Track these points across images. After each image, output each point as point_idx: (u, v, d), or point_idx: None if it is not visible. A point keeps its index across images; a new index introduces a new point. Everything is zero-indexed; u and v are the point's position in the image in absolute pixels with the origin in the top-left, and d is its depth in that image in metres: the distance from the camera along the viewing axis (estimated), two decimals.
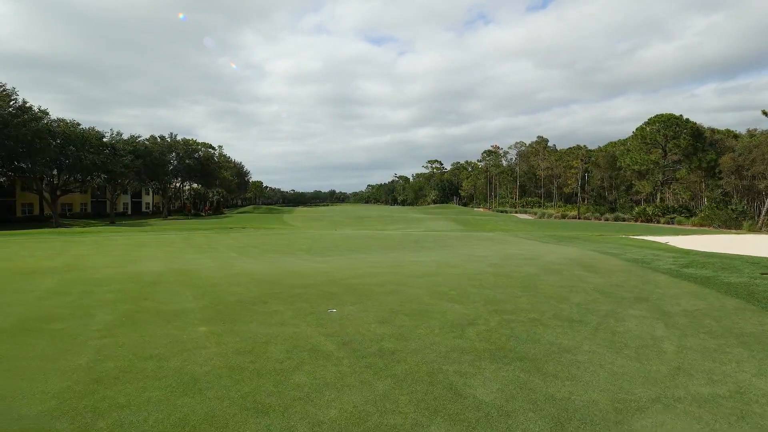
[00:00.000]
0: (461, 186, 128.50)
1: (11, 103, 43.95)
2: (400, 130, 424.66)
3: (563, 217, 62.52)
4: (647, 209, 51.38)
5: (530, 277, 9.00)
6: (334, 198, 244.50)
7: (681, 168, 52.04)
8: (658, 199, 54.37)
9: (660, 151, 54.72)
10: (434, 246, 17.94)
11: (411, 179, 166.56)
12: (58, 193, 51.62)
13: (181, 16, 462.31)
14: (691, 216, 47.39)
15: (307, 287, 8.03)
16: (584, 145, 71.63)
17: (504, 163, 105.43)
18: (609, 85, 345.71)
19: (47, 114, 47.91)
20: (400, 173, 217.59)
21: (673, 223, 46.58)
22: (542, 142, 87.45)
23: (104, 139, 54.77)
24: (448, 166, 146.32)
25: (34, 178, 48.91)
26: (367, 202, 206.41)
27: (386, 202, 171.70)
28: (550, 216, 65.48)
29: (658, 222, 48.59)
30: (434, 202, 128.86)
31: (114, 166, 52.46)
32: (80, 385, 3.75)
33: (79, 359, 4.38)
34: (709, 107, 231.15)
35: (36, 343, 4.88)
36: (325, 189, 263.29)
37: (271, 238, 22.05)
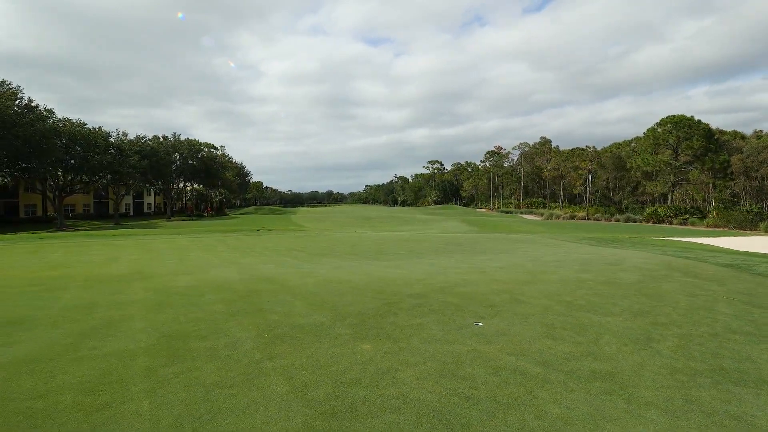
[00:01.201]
0: (462, 186, 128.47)
1: (17, 102, 42.95)
2: (395, 130, 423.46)
3: (572, 218, 62.37)
4: (659, 210, 51.40)
5: (640, 284, 8.61)
6: (331, 199, 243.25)
7: (693, 169, 52.16)
8: (670, 200, 54.47)
9: (670, 152, 54.85)
10: (484, 249, 17.55)
11: (410, 180, 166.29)
12: (63, 193, 50.57)
13: (180, 15, 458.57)
14: (704, 217, 47.45)
15: (421, 297, 7.57)
16: (593, 146, 71.72)
17: (506, 164, 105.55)
18: (602, 88, 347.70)
19: (53, 113, 46.83)
20: (396, 174, 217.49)
21: (686, 224, 46.59)
22: (547, 143, 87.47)
23: (110, 139, 53.75)
24: (446, 167, 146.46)
25: (39, 179, 47.85)
26: (364, 203, 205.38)
27: (385, 203, 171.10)
28: (558, 217, 65.31)
29: (671, 223, 48.57)
30: (435, 202, 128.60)
31: (121, 166, 51.52)
32: (320, 420, 3.27)
33: (276, 386, 3.88)
34: (701, 109, 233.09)
35: (204, 366, 4.37)
36: (320, 189, 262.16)
37: (305, 241, 21.52)
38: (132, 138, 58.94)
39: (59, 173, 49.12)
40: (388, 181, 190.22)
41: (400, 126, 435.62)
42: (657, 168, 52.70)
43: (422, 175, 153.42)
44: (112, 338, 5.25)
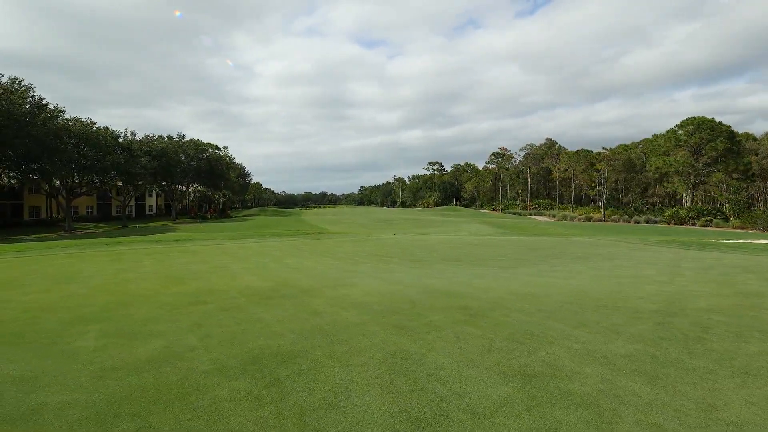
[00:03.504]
0: (463, 188, 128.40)
1: (27, 100, 40.95)
2: (389, 132, 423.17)
3: (588, 219, 62.31)
4: (680, 212, 51.52)
5: None
6: (326, 200, 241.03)
7: (716, 171, 52.47)
8: (690, 202, 54.74)
9: (686, 152, 55.11)
10: (579, 256, 16.81)
11: (407, 181, 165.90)
12: (72, 195, 48.54)
13: (178, 14, 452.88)
14: (727, 219, 47.62)
15: (657, 313, 6.70)
16: (608, 147, 71.93)
17: (509, 165, 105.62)
18: (593, 90, 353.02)
19: (62, 112, 44.81)
20: (389, 175, 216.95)
21: (710, 226, 46.69)
22: (554, 144, 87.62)
23: (120, 140, 51.86)
24: (446, 168, 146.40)
25: (47, 180, 45.73)
26: (359, 204, 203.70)
27: (383, 204, 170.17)
28: (572, 218, 65.23)
29: (694, 224, 48.66)
30: (436, 204, 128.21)
31: (131, 167, 49.71)
32: None
33: None
34: (689, 112, 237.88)
35: (651, 419, 3.38)
36: (313, 190, 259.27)
37: (374, 246, 20.48)
38: (141, 138, 57.07)
39: (67, 173, 47.06)
40: (385, 182, 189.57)
41: (394, 127, 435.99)
42: (678, 169, 52.85)
43: (421, 176, 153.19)
44: (447, 380, 4.20)
